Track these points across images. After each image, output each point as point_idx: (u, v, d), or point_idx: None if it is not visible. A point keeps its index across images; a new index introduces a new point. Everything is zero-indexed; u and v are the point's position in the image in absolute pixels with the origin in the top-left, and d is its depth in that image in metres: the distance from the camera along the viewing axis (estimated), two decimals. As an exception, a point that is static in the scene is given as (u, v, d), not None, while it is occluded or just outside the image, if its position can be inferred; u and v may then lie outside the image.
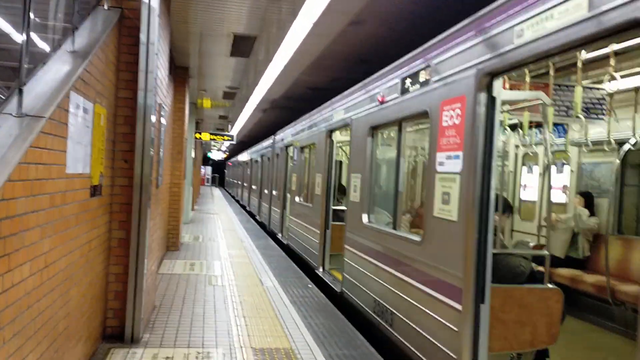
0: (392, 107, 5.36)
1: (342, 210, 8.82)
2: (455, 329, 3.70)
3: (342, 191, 9.60)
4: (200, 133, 20.14)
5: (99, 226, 4.34)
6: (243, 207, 26.35)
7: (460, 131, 3.84)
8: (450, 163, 3.96)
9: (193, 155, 16.51)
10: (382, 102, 5.67)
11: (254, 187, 21.35)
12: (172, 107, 9.89)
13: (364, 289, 5.86)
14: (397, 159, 5.30)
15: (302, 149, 10.73)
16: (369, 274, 5.73)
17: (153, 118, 4.89)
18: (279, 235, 13.02)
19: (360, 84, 6.57)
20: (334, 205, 8.43)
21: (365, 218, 6.07)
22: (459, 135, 3.85)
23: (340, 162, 10.78)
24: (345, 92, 7.28)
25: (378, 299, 5.38)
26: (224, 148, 43.25)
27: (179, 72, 10.24)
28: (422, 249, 4.36)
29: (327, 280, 7.56)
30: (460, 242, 3.71)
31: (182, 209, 10.68)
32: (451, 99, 4.02)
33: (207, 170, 55.34)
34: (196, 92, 13.74)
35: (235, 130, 22.14)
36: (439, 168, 4.15)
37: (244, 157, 28.28)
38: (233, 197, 36.54)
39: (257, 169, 20.80)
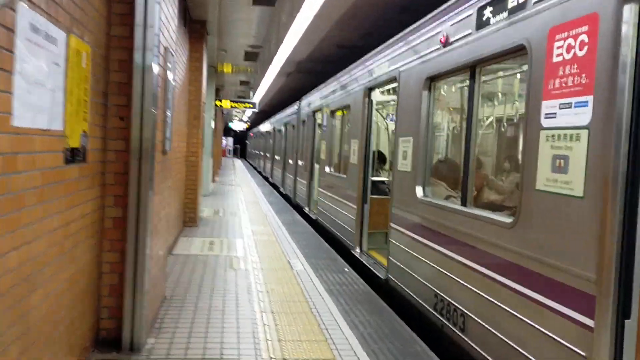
0: (461, 49, 4.15)
1: (383, 182, 7.68)
2: (581, 353, 2.58)
3: (381, 160, 8.44)
4: (220, 100, 19.07)
5: (83, 203, 3.29)
6: (266, 179, 25.39)
7: (588, 66, 2.64)
8: (568, 114, 2.77)
9: (213, 124, 15.46)
10: (445, 44, 4.45)
11: (277, 157, 20.28)
12: (187, 66, 8.78)
13: (420, 278, 4.76)
14: (469, 115, 4.10)
15: (332, 113, 9.55)
16: (426, 261, 4.61)
17: (156, 67, 3.78)
18: (306, 209, 11.97)
19: (412, 27, 5.34)
20: (372, 176, 7.29)
21: (419, 191, 4.92)
22: (586, 72, 2.65)
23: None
24: (391, 40, 6.04)
25: (441, 293, 4.27)
26: (245, 118, 42.25)
27: (195, 27, 9.08)
28: (516, 234, 3.22)
29: (367, 264, 6.48)
30: (591, 227, 2.56)
31: (200, 180, 9.67)
32: (570, 22, 2.80)
33: (228, 141, 54.52)
34: (215, 54, 12.58)
35: (257, 97, 20.97)
36: (546, 122, 2.96)
37: (266, 126, 27.19)
38: (255, 168, 35.63)
39: (280, 139, 19.69)
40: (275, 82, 16.88)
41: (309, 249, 7.66)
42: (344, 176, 8.08)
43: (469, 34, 4.04)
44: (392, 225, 5.60)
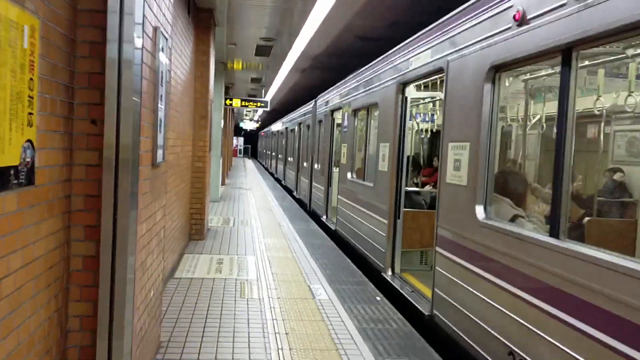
0: (548, 27, 3.10)
1: (418, 193, 6.63)
2: None
3: (415, 166, 7.39)
4: (230, 99, 18.11)
5: (33, 243, 2.30)
6: (277, 180, 24.42)
7: None
8: None
9: (222, 124, 14.50)
10: (520, 22, 3.40)
11: (290, 159, 19.28)
12: (192, 60, 7.80)
13: (484, 325, 3.71)
14: (561, 112, 3.05)
15: (355, 112, 8.51)
16: (496, 305, 3.57)
17: (138, 51, 2.79)
18: (324, 218, 10.94)
19: (468, 5, 4.28)
20: (407, 186, 6.25)
21: (480, 212, 3.88)
22: None
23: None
24: (437, 24, 4.99)
25: (522, 354, 3.23)
26: (256, 117, 41.34)
27: (201, 17, 8.09)
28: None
29: (403, 293, 5.43)
30: None
31: (207, 187, 8.70)
32: None
33: (239, 141, 53.69)
34: (225, 49, 11.60)
35: (269, 95, 20.00)
36: None
37: (278, 126, 26.22)
38: (266, 169, 34.71)
39: (293, 139, 18.68)
40: (288, 79, 15.88)
41: (332, 269, 6.64)
42: (371, 185, 7.05)
43: (563, 5, 2.99)
44: (439, 250, 4.56)
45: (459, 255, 4.17)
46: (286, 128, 21.41)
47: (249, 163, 41.29)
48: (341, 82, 9.63)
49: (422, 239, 6.23)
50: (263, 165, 39.69)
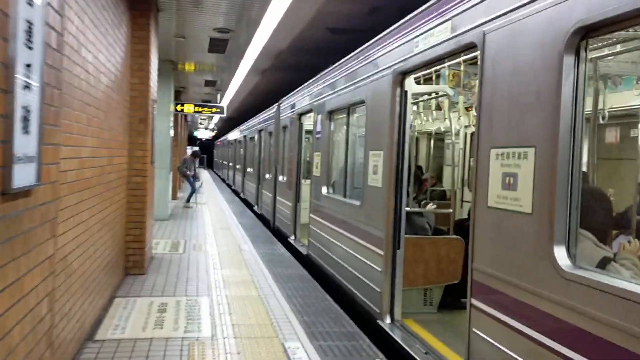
0: None
1: (420, 214, 5.24)
2: None
3: (416, 179, 6.01)
4: (182, 104, 16.39)
5: None
6: (235, 192, 22.71)
7: None
8: None
9: (172, 132, 12.79)
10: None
11: (249, 170, 17.66)
12: (126, 50, 6.19)
13: None
14: None
15: (330, 114, 7.08)
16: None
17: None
18: (292, 239, 9.42)
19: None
20: (409, 206, 4.84)
21: (561, 256, 2.48)
22: None
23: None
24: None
25: None
26: (212, 126, 39.43)
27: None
28: None
29: (416, 357, 3.96)
30: None
31: (150, 207, 7.04)
32: None
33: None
34: (172, 43, 9.97)
35: (225, 101, 18.35)
36: None
37: (235, 134, 24.54)
38: (223, 180, 32.83)
39: (253, 149, 17.09)
40: (247, 81, 14.33)
41: (310, 313, 5.13)
42: (356, 203, 5.61)
43: None
44: (478, 304, 3.13)
45: (519, 318, 2.75)
46: (244, 136, 19.79)
47: (205, 174, 39.22)
48: (312, 80, 8.18)
49: (427, 274, 4.83)
50: (219, 176, 37.74)
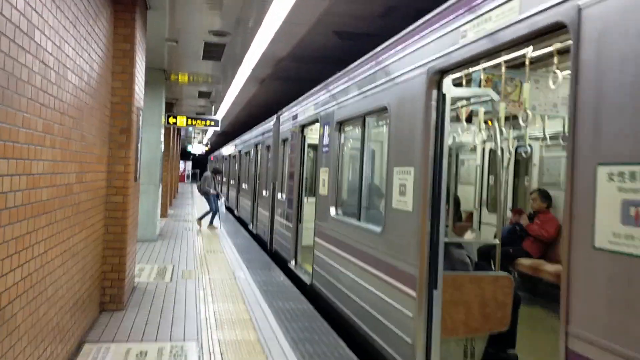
0: None
1: (460, 246, 4.34)
2: None
3: (457, 206, 5.14)
4: (174, 117, 15.51)
5: None
6: (229, 209, 21.75)
7: None
8: None
9: (162, 145, 11.89)
10: None
11: (244, 186, 16.74)
12: (107, 47, 5.32)
13: None
14: None
15: (341, 125, 6.22)
16: None
17: None
18: (292, 265, 8.48)
19: None
20: (448, 236, 3.94)
21: None
22: None
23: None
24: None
25: None
26: (205, 140, 38.56)
27: (124, -10, 5.65)
28: None
29: None
30: None
31: (132, 231, 6.11)
32: None
33: (187, 166, 50.52)
34: (164, 48, 9.13)
35: (220, 113, 17.49)
36: None
37: (230, 149, 23.66)
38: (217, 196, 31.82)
39: (248, 164, 16.20)
40: (244, 91, 13.48)
41: (321, 365, 4.21)
42: (376, 229, 4.72)
43: None
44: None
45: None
46: (239, 151, 18.90)
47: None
48: (318, 87, 7.33)
49: (469, 320, 3.92)
50: (213, 192, 36.71)
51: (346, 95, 5.85)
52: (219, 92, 14.63)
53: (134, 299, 6.06)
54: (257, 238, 12.68)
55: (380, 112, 4.89)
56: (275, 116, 11.06)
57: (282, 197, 9.93)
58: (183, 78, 13.40)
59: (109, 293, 5.55)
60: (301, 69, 10.81)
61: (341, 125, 6.21)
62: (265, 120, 13.32)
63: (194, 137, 35.38)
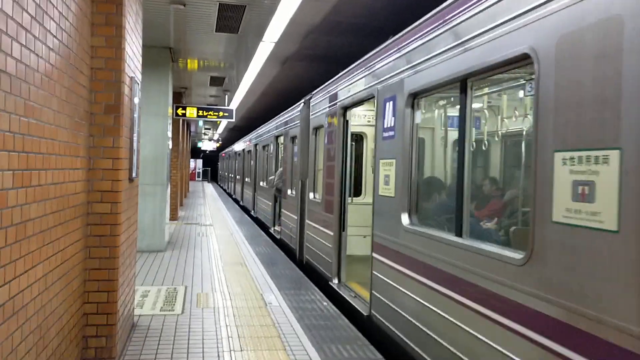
0: None
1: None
2: None
3: None
4: (183, 108, 13.81)
5: None
6: (244, 208, 20.09)
7: None
8: None
9: (170, 137, 10.20)
10: None
11: (262, 184, 15.01)
12: (82, 6, 3.59)
13: None
14: None
15: (415, 99, 4.44)
16: None
17: None
18: (335, 283, 6.72)
19: None
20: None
21: None
22: None
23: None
24: None
25: None
26: (216, 137, 36.98)
27: None
28: None
29: None
30: None
31: (127, 251, 4.39)
32: None
33: (197, 164, 49.00)
34: (169, 13, 7.42)
35: (234, 104, 15.76)
36: None
37: (244, 144, 21.97)
38: (229, 194, 30.20)
39: (266, 159, 14.47)
40: (262, 76, 11.73)
41: None
42: (514, 256, 2.93)
43: None
44: None
45: None
46: (255, 145, 17.19)
47: (209, 188, 36.64)
48: (375, 51, 5.52)
49: None
50: (225, 190, 35.15)
51: (429, 53, 4.06)
52: (232, 79, 12.92)
53: (132, 348, 4.34)
54: (281, 245, 10.97)
55: (509, 65, 3.10)
56: (302, 102, 9.30)
57: (315, 197, 8.18)
58: (192, 64, 11.74)
59: (94, 345, 3.83)
60: (333, 44, 9.04)
61: (416, 98, 4.43)
62: (287, 108, 11.57)
63: (205, 133, 33.79)
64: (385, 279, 4.78)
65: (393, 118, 4.75)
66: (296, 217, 9.40)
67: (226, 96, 14.71)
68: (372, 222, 5.21)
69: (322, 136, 8.00)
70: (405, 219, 4.43)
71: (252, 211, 17.16)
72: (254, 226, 13.85)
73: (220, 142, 40.07)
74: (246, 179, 20.16)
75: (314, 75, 11.38)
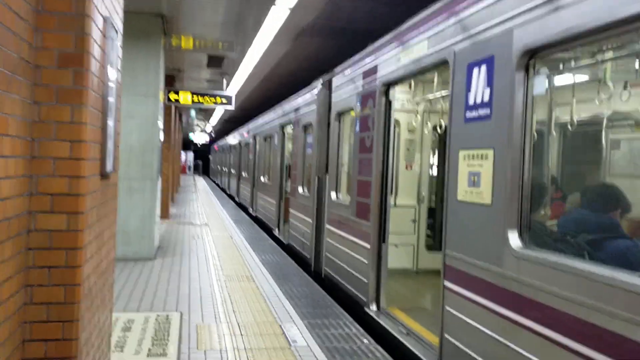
0: None
1: None
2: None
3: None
4: (176, 92, 12.25)
5: None
6: (239, 204, 18.58)
7: None
8: None
9: (161, 124, 8.67)
10: None
11: (264, 180, 13.49)
12: None
13: None
14: None
15: (531, 60, 2.97)
16: None
17: None
18: (373, 311, 5.23)
19: None
20: None
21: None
22: None
23: None
24: None
25: None
26: (209, 128, 35.36)
27: None
28: None
29: None
30: None
31: (94, 290, 2.89)
32: None
33: (188, 157, 47.26)
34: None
35: (234, 88, 14.18)
36: None
37: (241, 136, 20.42)
38: (223, 189, 28.62)
39: (269, 152, 12.95)
40: (269, 55, 10.19)
41: None
42: None
43: None
44: None
45: None
46: (255, 136, 15.67)
47: (201, 182, 35.01)
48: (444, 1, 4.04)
49: None
50: (218, 185, 33.55)
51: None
52: (232, 62, 11.38)
53: None
54: (290, 252, 9.51)
55: None
56: (318, 82, 7.81)
57: (339, 198, 6.71)
58: (187, 42, 10.22)
59: None
60: (359, 11, 7.55)
61: (535, 58, 2.96)
62: (290, 96, 10.07)
63: (197, 125, 32.14)
64: (472, 321, 3.33)
65: (488, 90, 3.28)
66: (311, 221, 7.93)
67: (224, 80, 13.14)
68: (444, 236, 3.75)
69: (349, 123, 6.55)
70: (514, 239, 2.98)
71: (251, 209, 15.64)
72: (253, 226, 12.37)
73: (213, 134, 38.44)
74: (243, 174, 18.62)
75: (329, 55, 9.90)
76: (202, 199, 19.49)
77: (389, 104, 5.19)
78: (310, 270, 7.77)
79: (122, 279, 6.35)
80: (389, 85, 5.13)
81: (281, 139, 11.16)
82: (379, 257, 5.19)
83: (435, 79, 5.25)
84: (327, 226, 6.97)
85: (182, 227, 11.47)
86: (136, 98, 7.62)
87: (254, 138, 15.72)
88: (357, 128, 5.90)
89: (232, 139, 23.74)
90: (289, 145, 11.02)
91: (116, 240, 3.54)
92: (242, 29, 8.51)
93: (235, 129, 26.25)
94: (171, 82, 12.81)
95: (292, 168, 9.82)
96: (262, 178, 13.70)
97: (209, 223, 12.30)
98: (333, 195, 6.85)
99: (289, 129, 10.88)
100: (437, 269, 3.96)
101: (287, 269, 7.51)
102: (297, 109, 9.45)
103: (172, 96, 12.18)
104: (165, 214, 12.55)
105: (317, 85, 7.86)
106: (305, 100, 8.71)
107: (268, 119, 13.20)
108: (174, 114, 15.69)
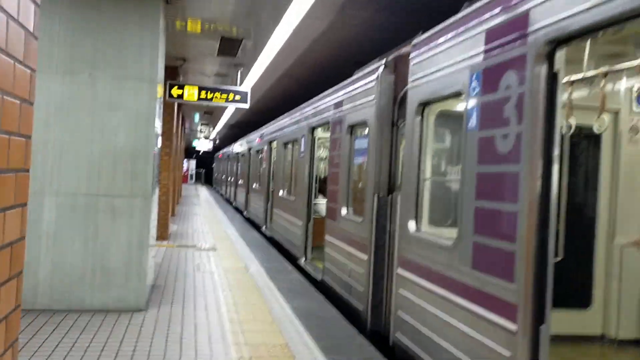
0: None
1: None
2: None
3: None
4: (180, 87, 10.04)
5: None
6: (250, 220, 16.32)
7: None
8: None
9: (159, 126, 6.43)
10: None
11: (283, 194, 11.19)
12: None
13: None
14: None
15: None
16: None
17: None
18: None
19: None
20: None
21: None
22: None
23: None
24: None
25: None
26: (213, 135, 33.13)
27: None
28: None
29: None
30: None
31: None
32: None
33: (190, 165, 45.04)
34: None
35: (249, 82, 11.90)
36: None
37: (251, 143, 18.17)
38: (228, 201, 26.35)
39: (291, 161, 10.68)
40: (299, 34, 7.95)
41: None
42: None
43: None
44: None
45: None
46: (270, 143, 13.44)
47: (204, 192, 32.76)
48: None
49: None
50: (222, 195, 31.28)
51: None
52: (248, 54, 9.22)
53: None
54: (309, 277, 7.25)
55: None
56: (379, 64, 5.58)
57: (425, 231, 4.43)
58: (195, 25, 8.15)
59: None
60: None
61: None
62: (312, 98, 7.83)
63: (201, 131, 29.92)
64: None
65: None
66: (365, 257, 5.65)
67: (238, 73, 10.90)
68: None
69: (447, 117, 4.31)
70: None
71: (264, 227, 13.36)
72: (269, 250, 10.12)
73: (217, 141, 36.28)
74: (254, 186, 16.35)
75: (380, 37, 7.66)
76: (206, 214, 17.21)
77: (553, 77, 2.94)
78: (362, 326, 5.50)
79: (92, 354, 4.07)
80: (556, 45, 2.88)
81: (310, 144, 8.89)
82: (533, 352, 2.89)
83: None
84: (402, 272, 4.68)
85: (184, 252, 9.19)
86: (123, 82, 5.42)
87: (269, 144, 13.48)
88: (472, 122, 3.64)
89: (241, 145, 21.49)
90: (320, 153, 8.77)
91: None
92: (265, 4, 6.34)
93: (242, 135, 24.06)
94: (173, 75, 10.60)
95: (329, 182, 7.55)
96: (280, 192, 11.43)
97: (217, 246, 10.02)
98: (412, 226, 4.56)
99: (320, 132, 8.65)
100: None
101: (332, 326, 5.25)
102: (338, 104, 7.18)
103: (175, 91, 9.99)
104: (163, 234, 10.30)
105: (377, 71, 5.62)
106: (355, 91, 6.45)
107: (290, 121, 10.94)
108: (178, 115, 13.48)
